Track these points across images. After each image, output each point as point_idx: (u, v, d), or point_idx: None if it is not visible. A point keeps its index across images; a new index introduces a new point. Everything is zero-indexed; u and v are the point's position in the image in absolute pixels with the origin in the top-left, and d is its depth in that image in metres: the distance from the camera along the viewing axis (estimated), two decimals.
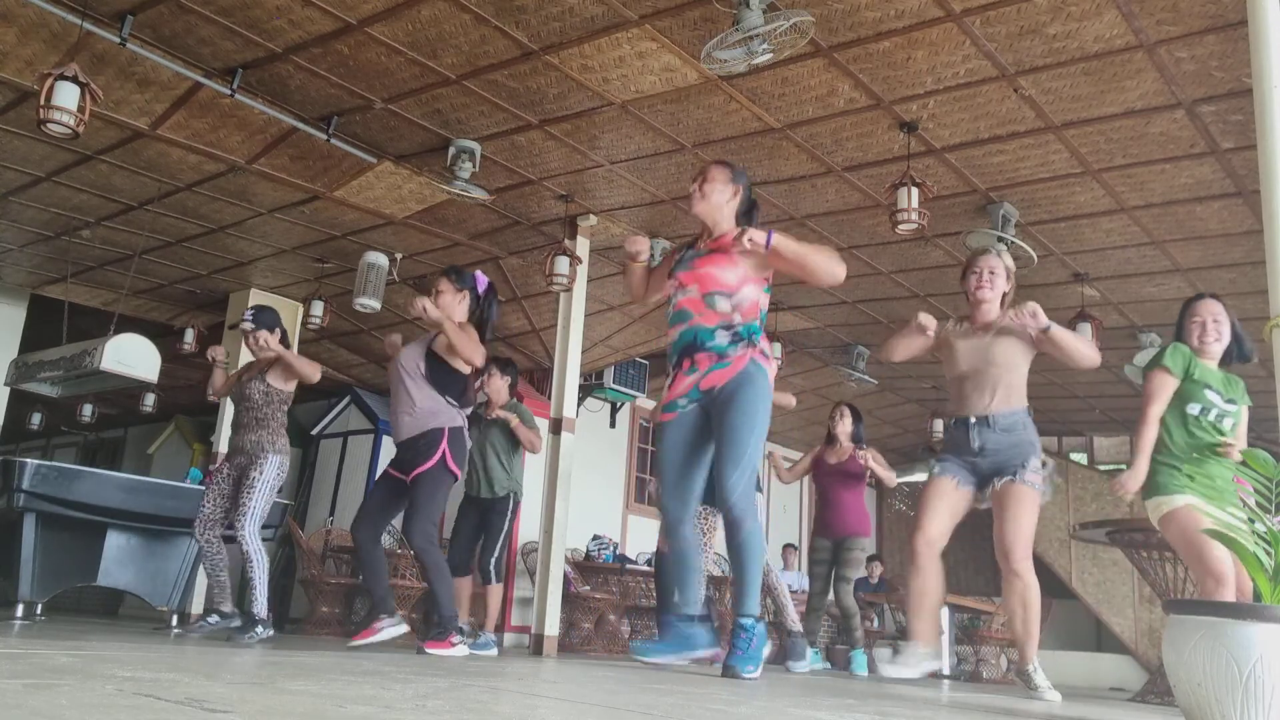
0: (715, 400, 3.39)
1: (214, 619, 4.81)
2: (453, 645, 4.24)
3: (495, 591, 5.50)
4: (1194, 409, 3.71)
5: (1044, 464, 3.86)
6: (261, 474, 4.73)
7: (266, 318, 4.96)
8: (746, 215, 3.61)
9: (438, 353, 4.39)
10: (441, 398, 4.35)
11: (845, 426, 6.21)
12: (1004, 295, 4.02)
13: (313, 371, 4.89)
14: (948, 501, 3.88)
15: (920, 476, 11.81)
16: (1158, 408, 3.75)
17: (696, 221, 3.60)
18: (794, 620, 5.75)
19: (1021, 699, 3.81)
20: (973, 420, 3.85)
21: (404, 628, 4.21)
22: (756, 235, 3.28)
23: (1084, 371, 4.02)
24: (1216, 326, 3.86)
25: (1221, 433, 3.70)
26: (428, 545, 4.21)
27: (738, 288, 3.42)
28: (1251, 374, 8.47)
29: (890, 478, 6.15)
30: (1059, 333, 3.77)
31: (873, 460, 6.04)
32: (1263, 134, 2.56)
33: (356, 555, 4.35)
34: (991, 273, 3.98)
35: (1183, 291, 6.82)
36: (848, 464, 6.15)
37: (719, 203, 3.55)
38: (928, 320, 3.93)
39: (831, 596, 6.16)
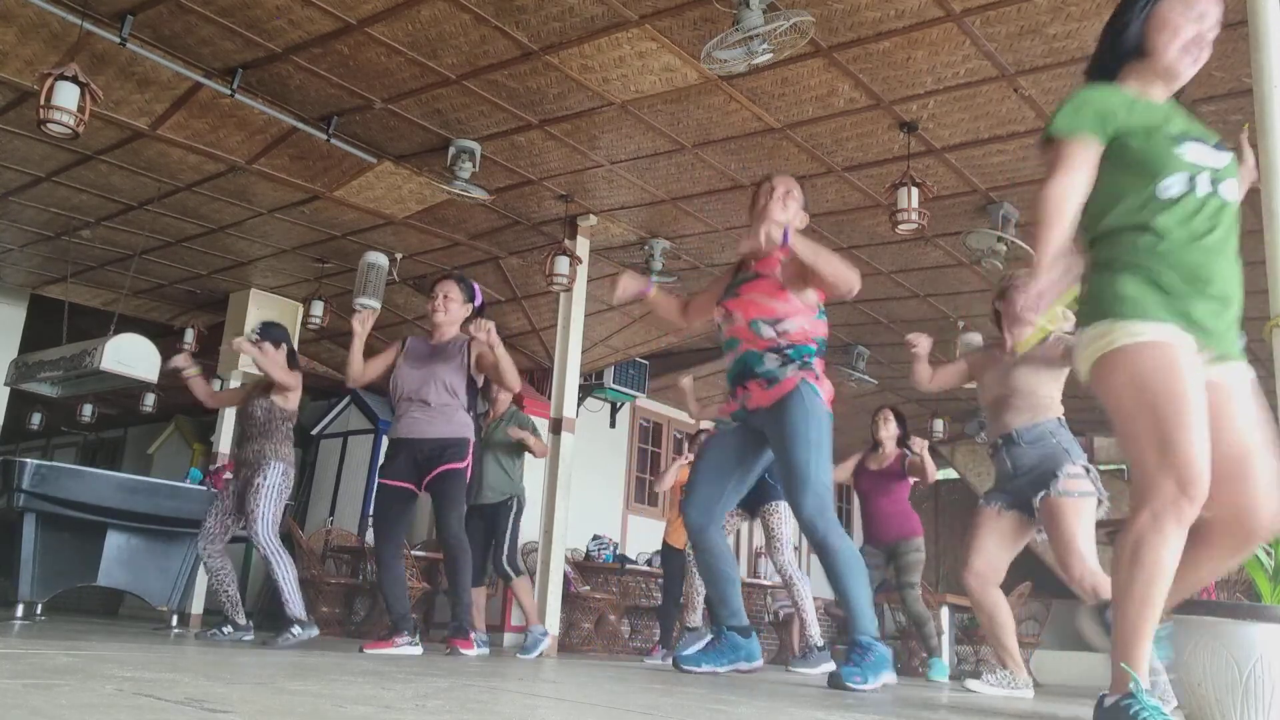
0: (765, 421, 3.33)
1: (228, 629, 4.77)
2: (472, 644, 4.32)
3: (523, 585, 5.54)
4: (1171, 186, 2.18)
5: (1086, 470, 3.71)
6: (266, 479, 4.71)
7: (272, 332, 4.97)
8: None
9: (474, 369, 4.43)
10: (469, 413, 4.41)
11: (890, 430, 6.10)
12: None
13: (287, 379, 4.82)
14: (992, 530, 3.84)
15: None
16: (1060, 187, 2.12)
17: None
18: (817, 636, 5.56)
19: (1021, 699, 3.81)
20: (999, 442, 3.86)
21: (419, 650, 4.18)
22: (774, 231, 3.20)
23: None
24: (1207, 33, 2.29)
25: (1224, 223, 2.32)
26: (462, 535, 4.24)
27: (783, 316, 3.33)
28: None
29: (933, 471, 5.97)
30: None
31: (925, 452, 5.86)
32: (1263, 134, 2.56)
33: (382, 571, 4.31)
34: None
35: None
36: (891, 467, 6.06)
37: (793, 217, 3.45)
38: (916, 339, 3.96)
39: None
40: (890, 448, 6.10)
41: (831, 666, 5.54)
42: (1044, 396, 3.84)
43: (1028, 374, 3.87)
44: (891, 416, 6.15)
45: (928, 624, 6.07)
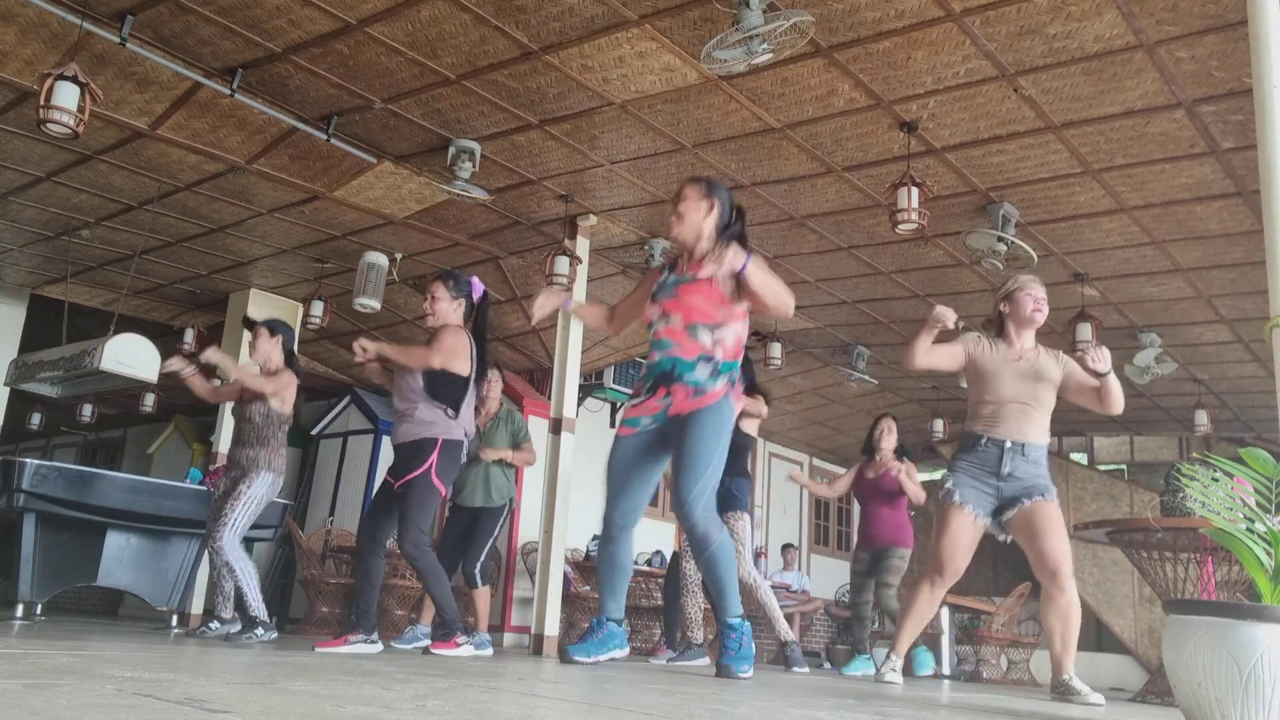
0: (680, 423, 3.42)
1: (215, 625, 4.83)
2: (458, 645, 4.25)
3: (483, 595, 5.49)
4: None
5: None
6: (250, 487, 4.74)
7: (274, 324, 5.01)
8: (729, 228, 3.53)
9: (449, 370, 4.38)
10: (439, 408, 4.29)
11: (892, 441, 6.19)
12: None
13: (261, 387, 4.82)
14: (969, 536, 3.94)
15: (922, 476, 11.82)
16: None
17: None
18: (786, 632, 5.70)
19: (1023, 700, 3.81)
20: (1009, 444, 3.88)
21: (377, 648, 4.14)
22: (735, 259, 3.26)
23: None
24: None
25: None
26: (418, 552, 4.18)
27: (722, 321, 3.40)
28: (1251, 374, 8.52)
29: (919, 496, 6.06)
30: (1113, 380, 3.84)
31: (904, 476, 5.99)
32: (1263, 134, 2.56)
33: (356, 564, 4.36)
34: (1042, 300, 4.04)
35: (1183, 292, 6.82)
36: (883, 479, 6.13)
37: (695, 222, 3.50)
38: (947, 314, 3.91)
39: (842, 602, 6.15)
40: (888, 457, 6.17)
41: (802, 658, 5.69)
42: (1049, 417, 3.97)
43: (1049, 392, 3.95)
44: (895, 427, 6.25)
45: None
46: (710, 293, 3.40)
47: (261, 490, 4.77)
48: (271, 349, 4.92)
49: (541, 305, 3.72)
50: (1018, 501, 3.84)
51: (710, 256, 3.35)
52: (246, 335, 5.03)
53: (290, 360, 5.01)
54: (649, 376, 3.52)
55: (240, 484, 4.75)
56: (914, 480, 6.06)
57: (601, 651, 3.59)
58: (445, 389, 4.28)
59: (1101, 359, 3.77)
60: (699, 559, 3.44)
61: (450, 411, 4.30)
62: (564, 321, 6.49)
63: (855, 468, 6.40)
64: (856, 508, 13.01)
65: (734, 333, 3.44)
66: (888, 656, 4.25)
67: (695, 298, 3.41)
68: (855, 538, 6.49)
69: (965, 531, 3.91)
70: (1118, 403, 3.88)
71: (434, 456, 4.21)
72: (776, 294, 3.39)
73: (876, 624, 6.71)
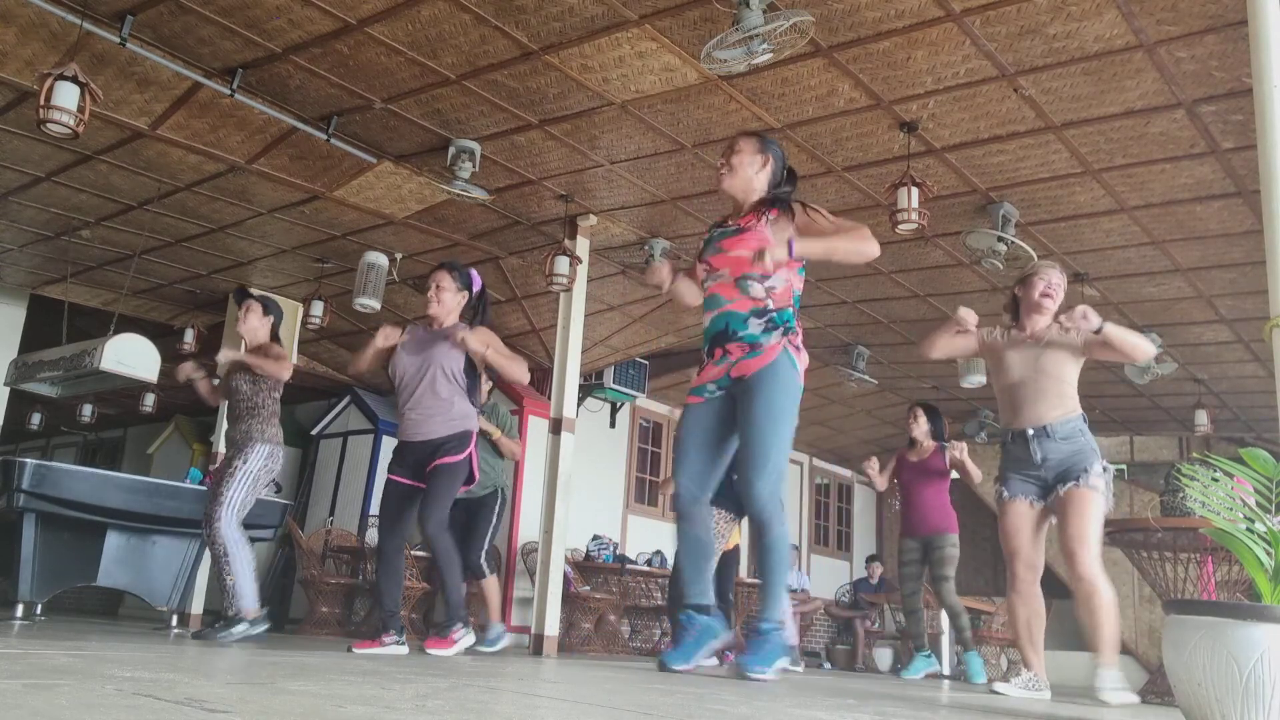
0: (743, 391, 3.24)
1: (221, 625, 4.76)
2: (454, 643, 4.24)
3: (492, 584, 5.50)
4: None
5: (1105, 469, 3.78)
6: (245, 462, 4.55)
7: (271, 304, 4.96)
8: (780, 188, 3.41)
9: (475, 363, 4.40)
10: (469, 403, 4.36)
11: (921, 427, 6.23)
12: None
13: (271, 368, 4.68)
14: (1031, 523, 3.87)
15: None
16: None
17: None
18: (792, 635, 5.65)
19: (1021, 701, 3.81)
20: (1031, 432, 3.82)
21: (405, 650, 4.13)
22: (778, 254, 3.09)
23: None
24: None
25: None
26: (440, 532, 4.18)
27: (772, 270, 3.22)
28: (1251, 374, 8.51)
29: (977, 474, 6.10)
30: (1113, 331, 3.66)
31: (964, 455, 6.02)
32: (1263, 134, 2.56)
33: (381, 565, 4.29)
34: (1056, 285, 3.98)
35: (1183, 292, 6.82)
36: (930, 461, 6.17)
37: (748, 176, 3.37)
38: (968, 316, 3.92)
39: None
40: (926, 442, 6.21)
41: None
42: (1070, 385, 3.84)
43: (1056, 359, 3.84)
44: (922, 413, 6.31)
45: (962, 616, 6.10)
46: (756, 240, 3.23)
47: (258, 464, 4.58)
48: (260, 326, 4.85)
49: (664, 278, 3.48)
50: (1056, 487, 3.79)
51: (755, 261, 3.16)
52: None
53: (275, 340, 4.93)
54: (706, 340, 3.39)
55: (235, 460, 4.58)
56: (967, 460, 6.07)
57: (698, 650, 3.30)
58: (474, 388, 4.41)
59: (1088, 318, 3.61)
60: (757, 547, 3.22)
61: (475, 406, 4.43)
62: (564, 321, 6.50)
63: (893, 460, 6.38)
64: (857, 507, 13.12)
65: (784, 279, 3.27)
66: (1019, 672, 4.03)
67: (742, 249, 3.25)
68: (900, 526, 6.46)
69: (1020, 518, 3.86)
70: (1137, 348, 3.72)
71: (472, 447, 4.33)
72: (847, 249, 3.20)
73: (923, 622, 6.66)
